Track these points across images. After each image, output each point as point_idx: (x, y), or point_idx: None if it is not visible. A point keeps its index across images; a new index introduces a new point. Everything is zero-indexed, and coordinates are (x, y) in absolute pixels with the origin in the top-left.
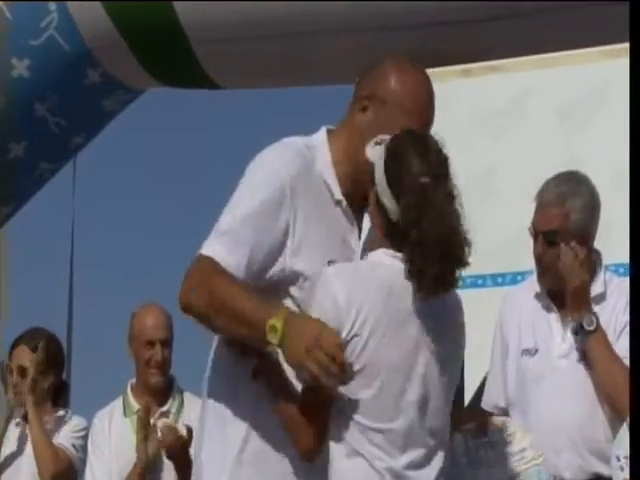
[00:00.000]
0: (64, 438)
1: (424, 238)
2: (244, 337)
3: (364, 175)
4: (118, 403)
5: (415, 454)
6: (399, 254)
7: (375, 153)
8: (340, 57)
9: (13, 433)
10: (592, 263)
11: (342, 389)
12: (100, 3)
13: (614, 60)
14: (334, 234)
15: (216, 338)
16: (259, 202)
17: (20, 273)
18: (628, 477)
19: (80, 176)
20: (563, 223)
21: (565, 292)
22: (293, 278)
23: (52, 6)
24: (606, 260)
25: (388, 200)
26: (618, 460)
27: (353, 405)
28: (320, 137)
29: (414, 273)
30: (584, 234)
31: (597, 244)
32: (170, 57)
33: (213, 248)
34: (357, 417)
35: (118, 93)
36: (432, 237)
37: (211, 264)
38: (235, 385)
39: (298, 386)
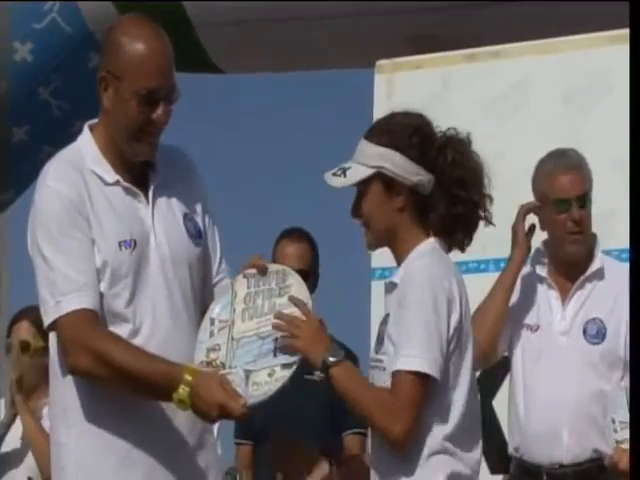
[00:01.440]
0: None
1: (462, 181)
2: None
3: (133, 153)
4: None
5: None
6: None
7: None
8: (342, 41)
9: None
10: (592, 240)
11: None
12: None
13: (618, 45)
14: (120, 212)
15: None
16: (63, 239)
17: (19, 256)
18: (620, 439)
19: None
20: (589, 184)
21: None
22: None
23: None
24: (609, 245)
25: (413, 174)
26: (613, 423)
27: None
28: (84, 136)
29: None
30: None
31: (600, 230)
32: (173, 40)
33: (61, 306)
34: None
35: None
36: (469, 178)
37: (76, 322)
38: (62, 409)
39: None
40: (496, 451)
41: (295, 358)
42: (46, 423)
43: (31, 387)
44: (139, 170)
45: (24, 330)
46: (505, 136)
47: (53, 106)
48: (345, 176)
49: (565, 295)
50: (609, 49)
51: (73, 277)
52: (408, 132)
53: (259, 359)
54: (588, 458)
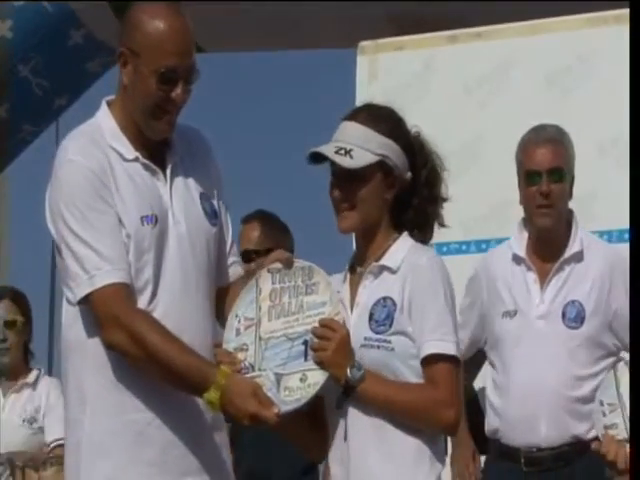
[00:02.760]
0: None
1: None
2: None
3: (152, 130)
4: None
5: None
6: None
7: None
8: (325, 20)
9: None
10: (569, 221)
11: None
12: None
13: (600, 27)
14: (141, 188)
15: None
16: (90, 212)
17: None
18: (609, 423)
19: (63, 138)
20: (565, 160)
21: (554, 237)
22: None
23: None
24: (590, 228)
25: (406, 170)
26: (602, 405)
27: None
28: (102, 111)
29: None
30: (573, 172)
31: (581, 211)
32: None
33: (95, 280)
34: None
35: (101, 55)
36: (435, 178)
37: (112, 297)
38: (76, 385)
39: None
40: (478, 432)
41: None
42: (20, 402)
43: (16, 365)
44: (156, 148)
45: (6, 309)
46: (487, 118)
47: (33, 84)
48: (352, 157)
49: (543, 278)
50: (592, 31)
51: (104, 251)
52: (404, 128)
53: (289, 362)
54: (566, 442)
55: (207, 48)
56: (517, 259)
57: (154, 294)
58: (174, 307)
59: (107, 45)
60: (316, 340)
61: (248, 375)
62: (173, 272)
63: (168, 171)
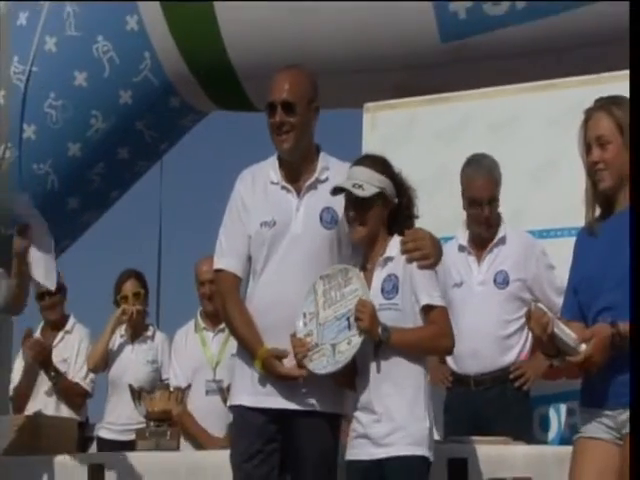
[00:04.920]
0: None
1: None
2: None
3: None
4: (192, 323)
5: None
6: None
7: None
8: (350, 90)
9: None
10: (498, 218)
11: None
12: (179, 51)
13: (527, 94)
14: (271, 201)
15: None
16: (230, 223)
17: (115, 231)
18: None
19: (166, 169)
20: (497, 188)
21: (487, 234)
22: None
23: (146, 53)
24: (527, 227)
25: (395, 197)
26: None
27: None
28: None
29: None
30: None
31: (513, 214)
32: (225, 90)
33: (218, 260)
34: None
35: (192, 114)
36: (412, 201)
37: (225, 279)
38: None
39: None
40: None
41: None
42: (145, 348)
43: (140, 322)
44: (302, 174)
45: (132, 284)
46: (451, 155)
47: (146, 135)
48: (363, 190)
49: (480, 257)
50: (522, 96)
51: (229, 247)
52: (392, 169)
53: (339, 334)
54: (500, 367)
55: (262, 110)
56: (461, 248)
57: (262, 274)
58: (275, 284)
59: (195, 107)
60: (354, 316)
61: (314, 350)
62: (278, 261)
63: (303, 190)
